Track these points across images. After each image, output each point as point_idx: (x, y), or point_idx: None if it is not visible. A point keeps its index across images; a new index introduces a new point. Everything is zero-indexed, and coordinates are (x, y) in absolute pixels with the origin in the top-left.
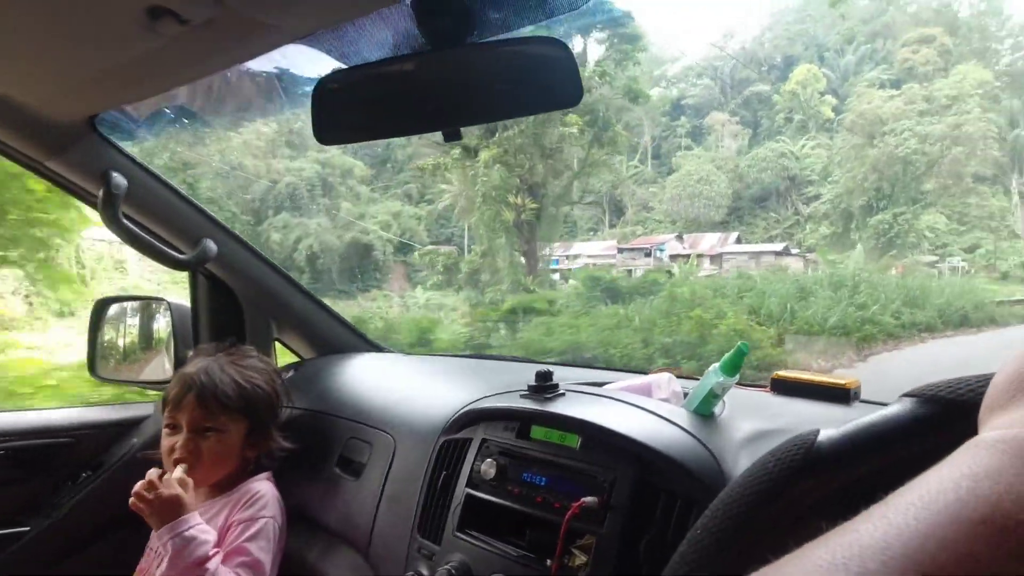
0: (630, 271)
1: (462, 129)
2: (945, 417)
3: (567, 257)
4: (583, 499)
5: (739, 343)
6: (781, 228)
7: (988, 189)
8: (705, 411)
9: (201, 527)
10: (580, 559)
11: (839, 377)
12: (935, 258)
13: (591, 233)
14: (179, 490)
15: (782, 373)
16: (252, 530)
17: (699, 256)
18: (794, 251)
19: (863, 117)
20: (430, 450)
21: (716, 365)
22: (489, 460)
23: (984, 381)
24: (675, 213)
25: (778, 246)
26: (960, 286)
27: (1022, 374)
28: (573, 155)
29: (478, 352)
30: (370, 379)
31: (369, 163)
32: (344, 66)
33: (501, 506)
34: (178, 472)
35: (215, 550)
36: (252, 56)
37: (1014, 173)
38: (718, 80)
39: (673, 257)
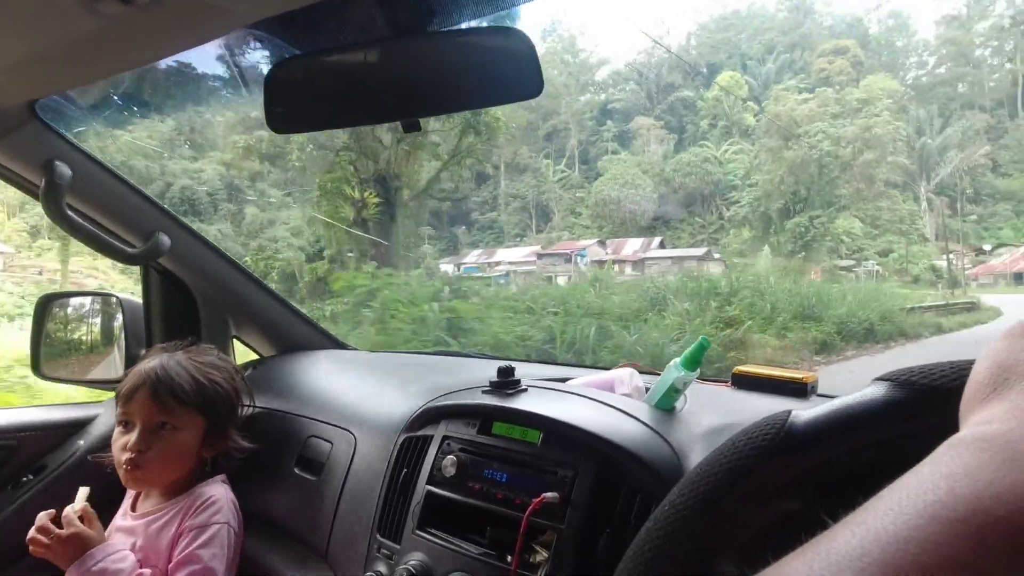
0: (549, 277)
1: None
2: (919, 403)
3: (488, 264)
4: (544, 495)
5: (700, 337)
6: (707, 233)
7: (899, 194)
8: (667, 406)
9: (112, 557)
10: (541, 555)
11: (797, 371)
12: (852, 262)
13: (518, 239)
14: (78, 526)
15: (742, 368)
16: (204, 537)
17: (621, 261)
18: (717, 256)
19: (779, 119)
20: (391, 448)
21: (677, 360)
22: (450, 457)
23: (959, 369)
24: (603, 218)
25: (699, 251)
26: (867, 292)
27: (1002, 366)
28: (438, 143)
29: (442, 349)
30: (331, 376)
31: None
32: (298, 52)
33: (462, 503)
34: (77, 503)
35: (138, 572)
36: (202, 40)
37: (922, 180)
38: (644, 85)
39: (597, 263)
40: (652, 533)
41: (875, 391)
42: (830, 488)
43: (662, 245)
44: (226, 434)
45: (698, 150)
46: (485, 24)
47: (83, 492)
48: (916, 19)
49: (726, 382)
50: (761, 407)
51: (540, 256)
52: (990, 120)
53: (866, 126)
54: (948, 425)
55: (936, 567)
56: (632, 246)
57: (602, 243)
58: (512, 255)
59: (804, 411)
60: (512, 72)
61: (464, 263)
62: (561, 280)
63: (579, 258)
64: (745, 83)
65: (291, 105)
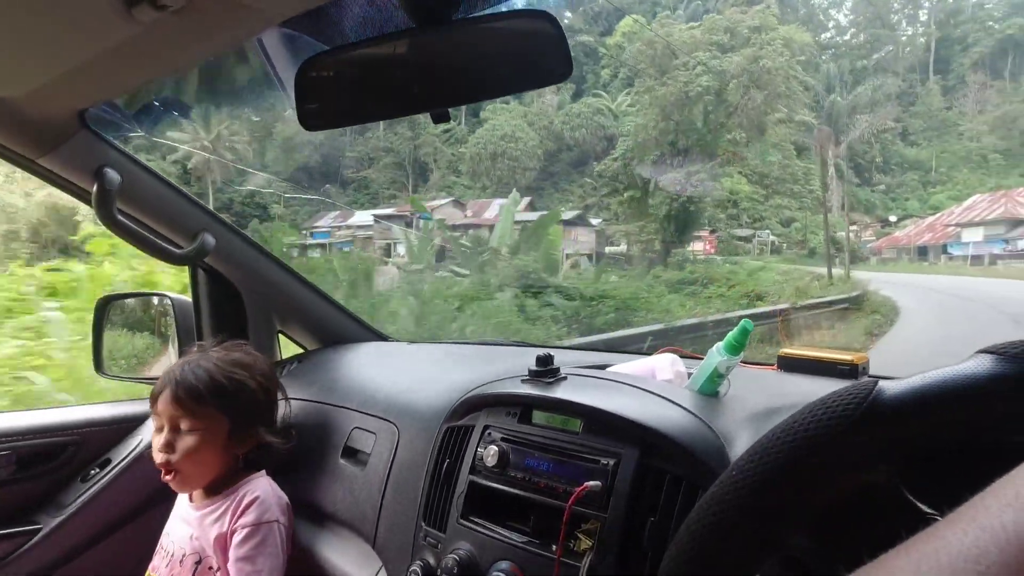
0: (390, 244)
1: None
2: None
3: (338, 229)
4: (586, 483)
5: (743, 320)
6: (598, 195)
7: (792, 148)
8: (710, 391)
9: None
10: (585, 543)
11: (847, 352)
12: (750, 232)
13: (392, 200)
14: None
15: (788, 351)
16: (257, 539)
17: (476, 226)
18: (595, 221)
19: (651, 47)
20: (433, 438)
21: (720, 344)
22: (492, 447)
23: None
24: (483, 176)
25: (568, 213)
26: (726, 272)
27: None
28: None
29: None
30: (373, 368)
31: None
32: (327, 48)
33: (504, 492)
34: None
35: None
36: (236, 42)
37: (831, 143)
38: None
39: (453, 227)
40: (719, 498)
41: (978, 364)
42: (915, 464)
43: (532, 207)
44: (254, 431)
45: (591, 100)
46: (510, 8)
47: None
48: None
49: (772, 365)
50: (808, 390)
51: (377, 220)
52: (902, 85)
53: (753, 56)
54: None
55: None
56: (495, 208)
57: (459, 204)
58: (362, 218)
59: (894, 381)
60: (540, 55)
61: (316, 227)
62: (402, 248)
63: (423, 221)
64: (651, 30)
65: (322, 101)
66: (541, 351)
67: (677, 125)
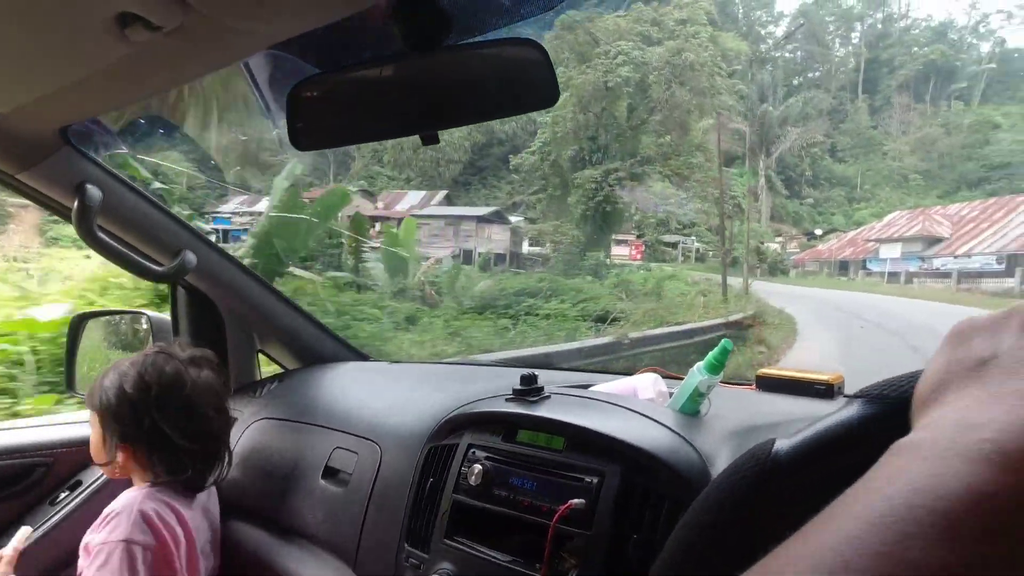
0: None
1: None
2: (891, 416)
3: (241, 215)
4: (571, 501)
5: (723, 340)
6: (527, 192)
7: (714, 148)
8: (691, 410)
9: None
10: (569, 562)
11: (823, 373)
12: (679, 238)
13: (310, 188)
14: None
15: (766, 371)
16: (100, 559)
17: (385, 218)
18: (515, 218)
19: (571, 31)
20: (416, 457)
21: (700, 364)
22: (476, 465)
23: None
24: (406, 167)
25: (482, 210)
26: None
27: (945, 369)
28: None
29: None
30: (355, 388)
31: None
32: (319, 71)
33: (489, 511)
34: (9, 546)
35: None
36: (228, 62)
37: (761, 153)
38: None
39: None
40: (669, 557)
41: (849, 411)
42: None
43: (448, 201)
44: (120, 442)
45: None
46: (499, 35)
47: (23, 532)
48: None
49: (751, 385)
50: (786, 409)
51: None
52: (832, 102)
53: (677, 49)
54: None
55: (870, 564)
56: (410, 201)
57: (368, 194)
58: (264, 205)
59: (786, 440)
60: (528, 81)
61: (217, 212)
62: None
63: None
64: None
65: (312, 122)
66: (525, 371)
67: (597, 119)
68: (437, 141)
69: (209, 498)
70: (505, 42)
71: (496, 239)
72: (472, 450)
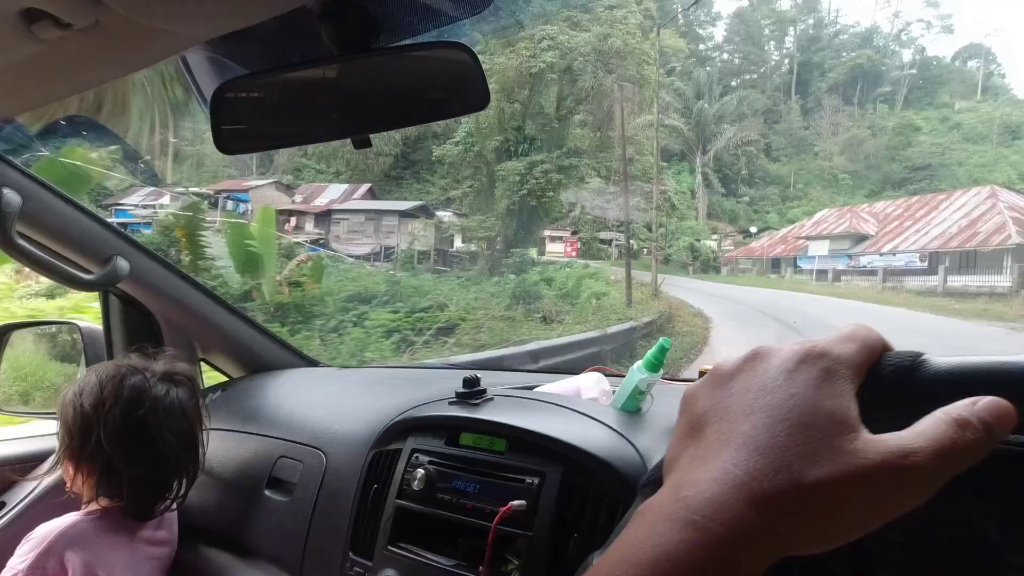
0: None
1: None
2: None
3: (143, 207)
4: (511, 503)
5: (661, 339)
6: (463, 187)
7: (645, 141)
8: (632, 408)
9: None
10: (512, 564)
11: None
12: (615, 235)
13: (231, 180)
14: None
15: (707, 367)
16: None
17: (301, 212)
18: (448, 213)
19: (495, 14)
20: (361, 464)
21: (640, 363)
22: (418, 470)
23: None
24: (335, 159)
25: (406, 204)
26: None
27: (677, 436)
28: None
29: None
30: (300, 395)
31: None
32: (245, 72)
33: (432, 516)
34: None
35: None
36: (148, 62)
37: (698, 150)
38: None
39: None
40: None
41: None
42: None
43: (373, 194)
44: (68, 457)
45: None
46: (429, 38)
47: None
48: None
49: (695, 380)
50: None
51: (177, 197)
52: (767, 102)
53: (603, 35)
54: None
55: None
56: (331, 194)
57: (282, 186)
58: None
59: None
60: (459, 85)
61: (120, 205)
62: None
63: (236, 202)
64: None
65: (239, 125)
66: (468, 373)
67: (524, 108)
68: (369, 145)
69: (162, 525)
70: (434, 45)
71: (420, 235)
72: (416, 455)
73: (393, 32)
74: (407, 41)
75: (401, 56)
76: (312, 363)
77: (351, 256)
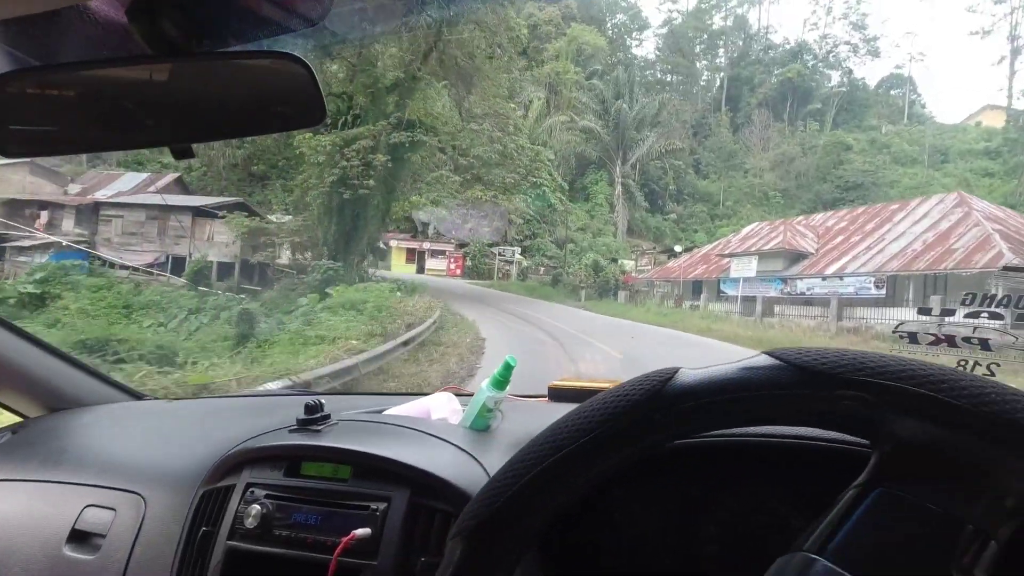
0: None
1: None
2: (799, 383)
3: None
4: (354, 532)
5: (507, 357)
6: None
7: (526, 143)
8: (481, 426)
9: None
10: None
11: (614, 381)
12: (516, 249)
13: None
14: None
15: (557, 383)
16: None
17: (56, 207)
18: (278, 217)
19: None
20: (188, 505)
21: (487, 381)
22: (254, 506)
23: (844, 356)
24: (201, 155)
25: (207, 199)
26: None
27: None
28: None
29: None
30: (118, 433)
31: None
32: (35, 63)
33: (268, 555)
34: None
35: None
36: None
37: (618, 159)
38: None
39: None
40: (512, 466)
41: (761, 361)
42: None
43: (182, 185)
44: None
45: None
46: (260, 47)
47: None
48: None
49: (544, 397)
50: None
51: None
52: (695, 114)
53: None
54: (827, 408)
55: None
56: (121, 184)
57: (43, 169)
58: None
59: (693, 371)
60: (291, 98)
61: None
62: None
63: None
64: None
65: (24, 124)
66: (311, 399)
67: (351, 67)
68: (191, 155)
69: None
70: (266, 54)
71: (219, 240)
72: (251, 489)
73: (219, 38)
74: (236, 48)
75: (228, 63)
76: (137, 396)
77: (125, 267)
